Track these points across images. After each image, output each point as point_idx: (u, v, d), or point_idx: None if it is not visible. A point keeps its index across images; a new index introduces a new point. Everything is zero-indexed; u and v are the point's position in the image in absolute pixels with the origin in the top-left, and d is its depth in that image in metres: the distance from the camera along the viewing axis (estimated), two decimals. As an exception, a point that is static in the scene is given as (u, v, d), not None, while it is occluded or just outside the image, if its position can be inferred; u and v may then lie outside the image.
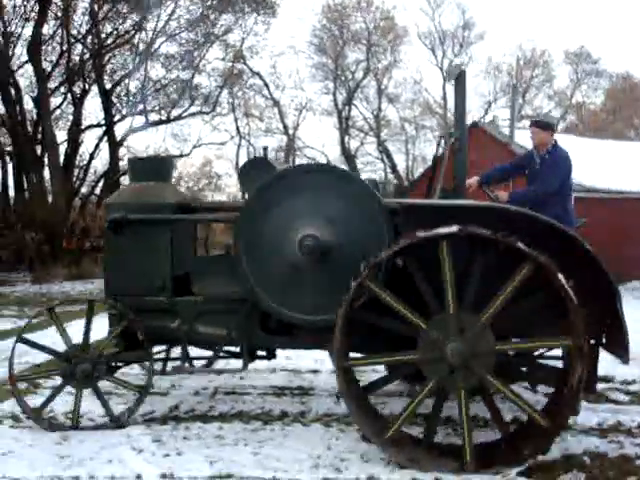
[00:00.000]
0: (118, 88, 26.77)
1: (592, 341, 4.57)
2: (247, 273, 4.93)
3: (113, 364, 5.67)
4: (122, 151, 27.74)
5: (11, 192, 24.57)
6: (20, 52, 24.45)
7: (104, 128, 26.14)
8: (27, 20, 23.91)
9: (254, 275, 4.92)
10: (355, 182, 4.88)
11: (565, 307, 4.25)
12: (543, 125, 6.17)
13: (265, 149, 5.53)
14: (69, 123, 25.99)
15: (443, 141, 5.84)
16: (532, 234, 4.29)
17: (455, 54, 38.66)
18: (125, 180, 28.68)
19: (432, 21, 39.13)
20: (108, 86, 26.06)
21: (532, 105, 40.01)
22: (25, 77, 25.27)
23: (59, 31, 24.64)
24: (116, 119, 26.76)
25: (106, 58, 25.91)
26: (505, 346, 4.50)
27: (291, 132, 37.25)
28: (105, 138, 26.31)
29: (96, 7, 24.10)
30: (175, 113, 28.50)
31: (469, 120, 20.20)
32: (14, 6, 23.53)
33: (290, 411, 5.83)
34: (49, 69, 24.35)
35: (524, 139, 15.34)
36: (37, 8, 22.92)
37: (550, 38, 67.96)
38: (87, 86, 25.79)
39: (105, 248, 5.88)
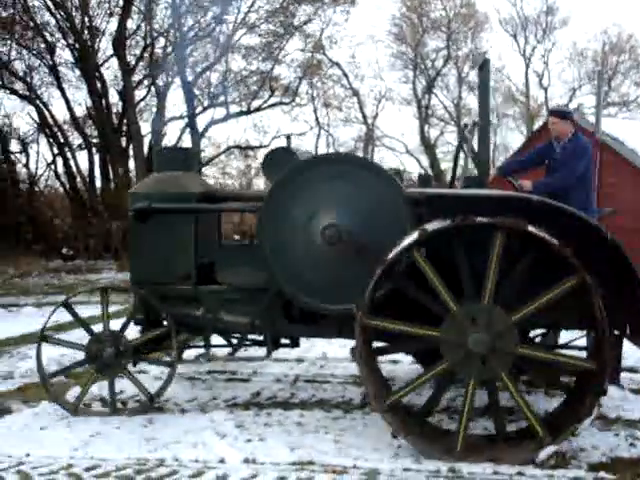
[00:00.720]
0: (200, 80, 27.21)
1: (616, 332, 4.55)
2: (270, 261, 4.97)
3: (139, 351, 5.71)
4: (204, 142, 28.23)
5: (98, 183, 25.44)
6: (105, 46, 25.16)
7: (186, 120, 26.61)
8: (111, 15, 24.62)
9: (277, 263, 4.95)
10: (377, 171, 4.85)
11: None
12: (561, 114, 6.23)
13: (288, 138, 5.55)
14: (153, 115, 26.58)
15: (467, 130, 5.77)
16: (555, 223, 4.25)
17: (538, 40, 37.85)
18: (207, 170, 29.23)
19: (514, 7, 38.41)
20: (190, 78, 26.50)
21: (619, 92, 38.72)
22: (110, 70, 25.98)
23: (142, 25, 25.24)
24: (198, 111, 27.20)
25: (188, 51, 26.34)
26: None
27: (370, 122, 37.16)
28: (187, 130, 26.78)
29: (178, 1, 24.51)
30: (255, 104, 28.77)
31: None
32: (99, 1, 24.23)
33: (371, 400, 5.80)
34: (133, 62, 24.95)
35: (611, 127, 14.83)
36: (121, 3, 23.51)
37: (637, 22, 65.49)
38: (170, 79, 26.30)
39: (130, 237, 5.95)
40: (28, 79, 25.38)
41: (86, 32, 23.52)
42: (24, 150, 28.01)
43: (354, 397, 5.90)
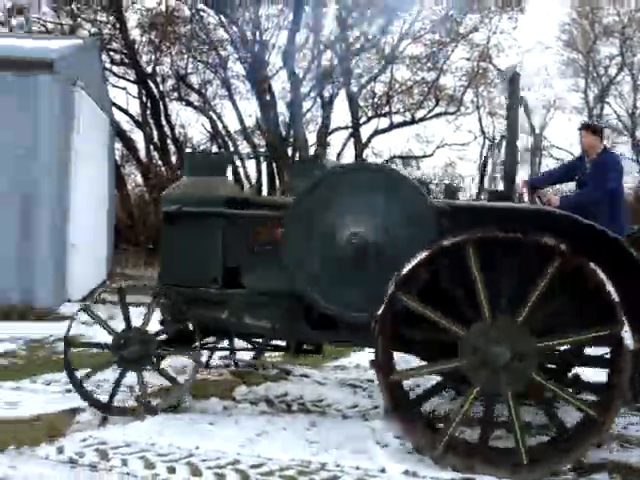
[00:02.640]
0: (364, 91, 27.48)
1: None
2: (293, 267, 5.01)
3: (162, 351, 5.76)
4: (366, 152, 28.46)
5: (264, 191, 26.28)
6: (274, 60, 25.98)
7: (350, 130, 26.95)
8: (280, 29, 25.40)
9: (300, 270, 4.99)
10: (402, 181, 4.85)
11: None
12: (592, 129, 6.25)
13: (316, 149, 5.47)
14: (318, 125, 27.15)
15: (496, 143, 5.54)
16: (578, 238, 4.21)
17: None
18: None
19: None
20: (355, 89, 26.84)
21: None
22: (278, 83, 26.80)
23: (310, 38, 25.85)
24: (362, 121, 27.48)
25: (353, 62, 26.70)
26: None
27: (538, 131, 35.93)
28: (351, 140, 27.12)
29: (344, 14, 24.92)
30: (419, 114, 28.67)
31: None
32: (268, 16, 25.10)
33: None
34: (301, 75, 25.60)
35: None
36: (291, 17, 24.21)
37: None
38: (335, 90, 26.77)
39: (161, 239, 6.01)
40: (203, 91, 26.77)
41: (257, 46, 24.40)
42: (196, 159, 29.45)
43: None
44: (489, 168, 6.08)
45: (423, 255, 4.39)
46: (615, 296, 4.13)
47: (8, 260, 11.11)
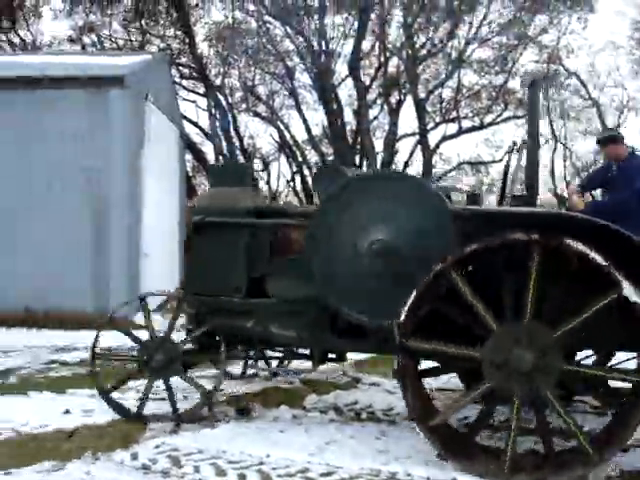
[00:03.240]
0: (431, 97, 27.29)
1: None
2: (317, 275, 5.03)
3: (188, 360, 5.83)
4: (435, 158, 28.26)
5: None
6: (340, 68, 26.08)
7: (417, 137, 26.79)
8: (346, 37, 25.47)
9: (324, 277, 5.02)
10: (423, 189, 4.91)
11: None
12: (612, 139, 6.39)
13: (334, 157, 5.51)
14: (385, 133, 27.08)
15: (516, 149, 5.70)
16: (600, 242, 4.19)
17: None
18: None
19: None
20: (422, 95, 26.68)
21: None
22: (344, 91, 26.88)
23: (376, 45, 25.86)
24: (429, 127, 27.29)
25: (420, 68, 26.56)
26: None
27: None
28: (419, 146, 26.96)
29: (410, 19, 24.82)
30: (488, 119, 28.30)
31: None
32: (333, 25, 25.20)
33: None
34: (367, 82, 25.62)
35: None
36: (356, 25, 24.26)
37: None
38: (402, 96, 26.67)
39: (188, 249, 6.07)
40: (270, 102, 27.07)
41: (323, 56, 24.53)
42: (265, 168, 29.90)
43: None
44: (511, 173, 6.05)
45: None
46: (602, 260, 4.12)
47: (83, 272, 11.45)
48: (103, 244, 11.68)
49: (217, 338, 5.71)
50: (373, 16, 24.35)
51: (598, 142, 6.64)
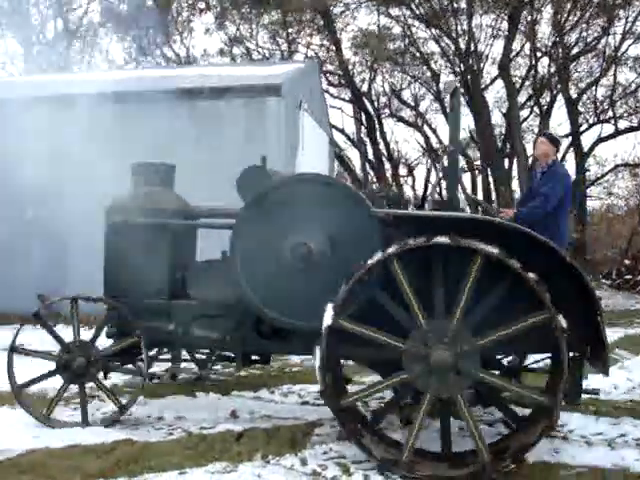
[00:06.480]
0: (584, 96, 26.24)
1: (576, 354, 4.71)
2: (241, 278, 5.03)
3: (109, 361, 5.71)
4: (589, 161, 27.12)
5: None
6: (488, 69, 25.57)
7: (570, 138, 25.81)
8: (495, 38, 24.93)
9: (247, 280, 5.02)
10: (346, 192, 4.95)
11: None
12: (551, 139, 6.65)
13: (264, 158, 5.24)
14: (534, 135, 26.28)
15: (445, 155, 5.71)
16: (515, 246, 4.39)
17: None
18: (592, 191, 27.98)
19: None
20: (574, 95, 25.69)
21: None
22: (491, 93, 26.35)
23: (526, 45, 25.15)
24: (583, 128, 26.23)
25: (572, 66, 25.58)
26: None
27: None
28: (571, 148, 25.96)
29: (561, 18, 23.92)
30: (647, 118, 26.77)
31: None
32: (480, 25, 24.71)
33: None
34: (517, 83, 24.94)
35: None
36: (506, 25, 23.69)
37: None
38: (553, 97, 25.79)
39: (105, 250, 5.87)
40: (416, 106, 26.94)
41: (471, 57, 24.13)
42: (410, 174, 29.78)
43: None
44: (433, 177, 6.18)
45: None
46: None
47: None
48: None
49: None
50: (523, 15, 23.67)
51: (542, 134, 6.95)
